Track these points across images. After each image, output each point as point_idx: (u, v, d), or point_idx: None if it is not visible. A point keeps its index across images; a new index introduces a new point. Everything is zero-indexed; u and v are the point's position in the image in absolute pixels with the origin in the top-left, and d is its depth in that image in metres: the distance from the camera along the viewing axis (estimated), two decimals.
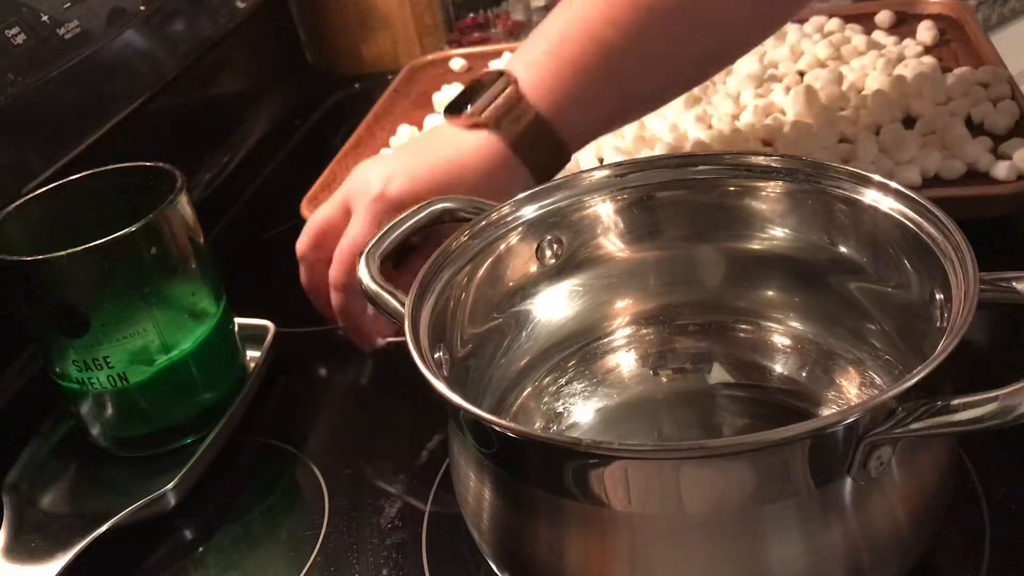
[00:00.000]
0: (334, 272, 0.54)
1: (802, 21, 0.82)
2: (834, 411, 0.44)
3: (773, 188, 0.45)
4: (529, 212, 0.46)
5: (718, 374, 0.48)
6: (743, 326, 0.48)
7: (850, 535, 0.33)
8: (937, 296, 0.38)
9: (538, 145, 0.54)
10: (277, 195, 0.83)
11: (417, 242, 0.53)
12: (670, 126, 0.69)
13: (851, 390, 0.45)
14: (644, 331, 0.49)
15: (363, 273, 0.43)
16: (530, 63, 0.55)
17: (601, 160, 0.68)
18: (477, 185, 0.53)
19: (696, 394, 0.48)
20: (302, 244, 0.57)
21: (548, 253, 0.47)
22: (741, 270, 0.48)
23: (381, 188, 0.53)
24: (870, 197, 0.42)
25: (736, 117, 0.69)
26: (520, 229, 0.46)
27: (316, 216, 0.56)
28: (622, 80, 0.54)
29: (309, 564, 0.46)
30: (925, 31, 0.77)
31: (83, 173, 0.54)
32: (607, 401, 0.48)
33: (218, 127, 0.86)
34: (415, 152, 0.56)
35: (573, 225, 0.47)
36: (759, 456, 0.32)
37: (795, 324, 0.47)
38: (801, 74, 0.74)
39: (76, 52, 0.65)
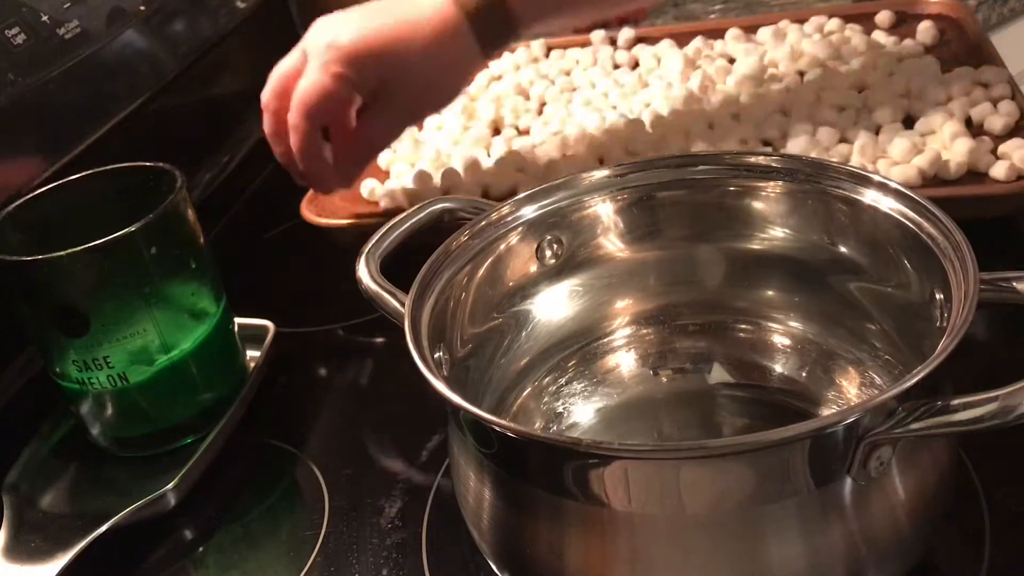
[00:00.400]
0: (292, 114, 0.57)
1: (802, 21, 0.82)
2: (834, 411, 0.44)
3: (773, 188, 0.45)
4: (529, 212, 0.46)
5: (718, 374, 0.48)
6: (743, 326, 0.48)
7: (850, 535, 0.33)
8: (937, 296, 0.38)
9: (492, 17, 0.55)
10: (277, 195, 0.82)
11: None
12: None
13: (851, 390, 0.45)
14: (644, 331, 0.49)
15: (363, 273, 0.43)
16: None
17: (601, 160, 0.68)
18: (427, 48, 0.56)
19: (696, 394, 0.48)
20: (266, 94, 0.60)
21: (548, 253, 0.47)
22: (741, 270, 0.48)
23: (333, 38, 0.55)
24: (870, 197, 0.42)
25: (736, 117, 0.69)
26: (520, 229, 0.46)
27: (278, 67, 0.59)
28: None
29: (309, 564, 0.46)
30: (925, 31, 0.77)
31: (83, 173, 0.54)
32: (607, 401, 0.48)
33: (218, 127, 0.86)
34: (372, 9, 0.58)
35: (573, 225, 0.47)
36: (759, 456, 0.32)
37: (795, 324, 0.47)
38: (801, 74, 0.74)
39: (76, 52, 0.65)
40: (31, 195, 0.53)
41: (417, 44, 0.55)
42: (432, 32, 0.56)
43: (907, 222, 0.40)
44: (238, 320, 0.57)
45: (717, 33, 0.84)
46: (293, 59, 0.59)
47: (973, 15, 0.80)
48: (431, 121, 0.78)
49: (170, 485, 0.49)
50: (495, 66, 0.87)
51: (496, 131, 0.76)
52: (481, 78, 0.85)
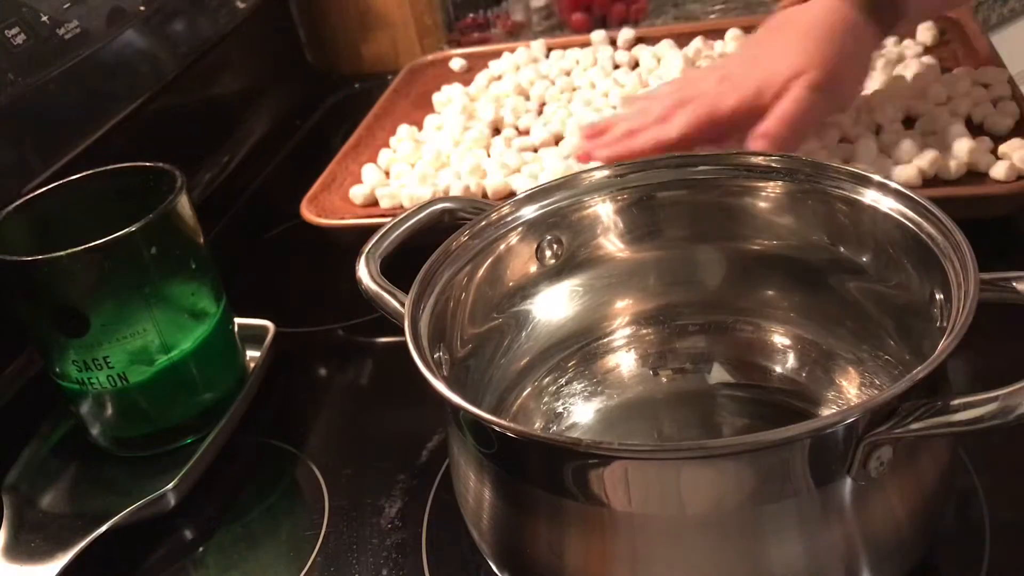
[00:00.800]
0: (781, 129, 0.56)
1: None
2: (834, 411, 0.44)
3: (773, 188, 0.45)
4: (529, 212, 0.46)
5: (718, 374, 0.48)
6: (743, 326, 0.48)
7: (850, 535, 0.33)
8: (937, 296, 0.38)
9: (884, 6, 0.59)
10: (277, 195, 0.83)
11: None
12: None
13: (851, 390, 0.45)
14: (644, 331, 0.49)
15: (363, 273, 0.43)
16: None
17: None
18: (853, 56, 0.59)
19: (696, 394, 0.48)
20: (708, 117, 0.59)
21: (548, 253, 0.47)
22: (741, 270, 0.48)
23: (799, 69, 0.57)
24: (870, 197, 0.42)
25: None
26: (520, 229, 0.46)
27: (727, 102, 0.59)
28: None
29: (309, 564, 0.46)
30: (925, 31, 0.77)
31: (83, 173, 0.54)
32: (607, 401, 0.48)
33: (218, 127, 0.86)
34: (810, 38, 0.59)
35: (573, 225, 0.47)
36: (759, 456, 0.32)
37: (795, 324, 0.47)
38: None
39: (76, 52, 0.65)
40: (31, 195, 0.53)
41: (847, 54, 0.58)
42: (852, 39, 0.58)
43: (907, 222, 0.40)
44: (238, 320, 0.57)
45: (717, 33, 0.84)
46: (746, 94, 0.58)
47: (973, 15, 0.80)
48: (431, 121, 0.79)
49: (170, 485, 0.49)
50: (495, 66, 0.87)
51: (496, 131, 0.76)
52: (481, 78, 0.85)
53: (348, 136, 0.79)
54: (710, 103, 0.59)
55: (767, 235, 0.46)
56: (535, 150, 0.72)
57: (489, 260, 0.45)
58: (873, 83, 0.70)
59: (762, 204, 0.46)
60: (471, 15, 1.06)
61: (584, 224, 0.47)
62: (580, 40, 0.89)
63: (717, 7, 1.01)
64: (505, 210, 0.45)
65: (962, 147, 0.60)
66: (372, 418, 0.56)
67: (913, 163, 0.60)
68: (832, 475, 0.32)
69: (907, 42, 0.76)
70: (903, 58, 0.73)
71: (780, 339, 0.48)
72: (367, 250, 0.44)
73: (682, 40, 0.83)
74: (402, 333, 0.38)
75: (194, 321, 0.53)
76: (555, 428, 0.47)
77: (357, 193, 0.69)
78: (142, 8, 0.72)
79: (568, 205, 0.47)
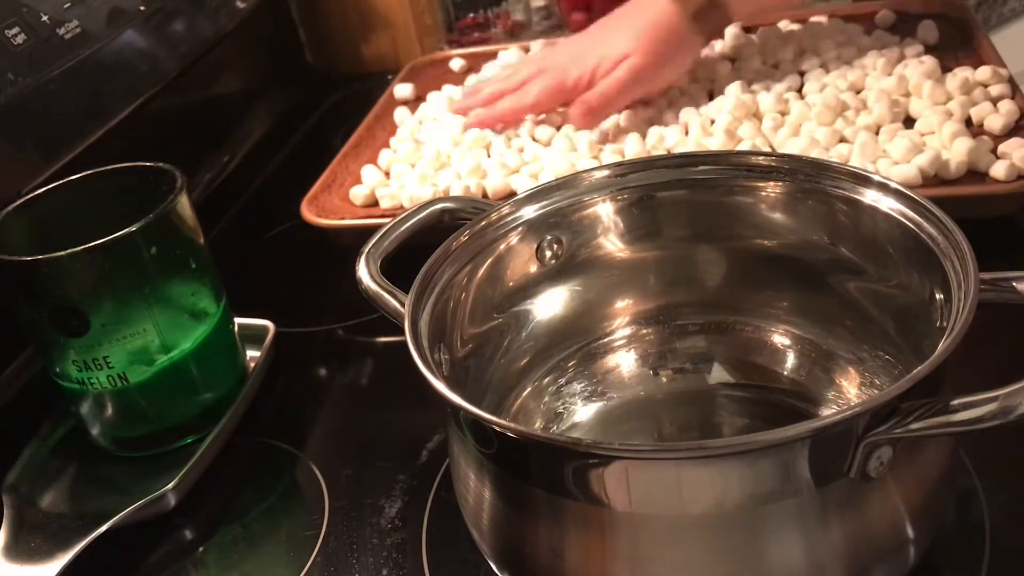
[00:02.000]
0: (601, 93, 0.70)
1: (802, 21, 0.82)
2: (834, 411, 0.44)
3: (773, 188, 0.45)
4: (529, 212, 0.46)
5: (718, 374, 0.48)
6: (743, 326, 0.48)
7: (850, 535, 0.33)
8: (937, 296, 0.38)
9: (711, 15, 0.70)
10: (277, 195, 0.83)
11: None
12: (683, 126, 0.69)
13: (851, 390, 0.45)
14: (644, 331, 0.49)
15: (363, 273, 0.43)
16: None
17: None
18: (667, 46, 0.71)
19: (696, 394, 0.48)
20: (553, 88, 0.73)
21: (548, 253, 0.47)
22: (741, 270, 0.48)
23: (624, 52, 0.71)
24: (870, 197, 0.42)
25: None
26: (520, 229, 0.46)
27: (564, 80, 0.72)
28: None
29: (309, 564, 0.46)
30: (925, 31, 0.77)
31: (83, 173, 0.54)
32: (607, 401, 0.48)
33: (218, 127, 0.86)
34: (629, 26, 0.72)
35: (573, 225, 0.47)
36: (759, 456, 0.32)
37: (795, 324, 0.47)
38: (801, 74, 0.74)
39: (76, 52, 0.65)
40: (31, 195, 0.53)
41: (668, 51, 0.71)
42: (676, 41, 0.71)
43: (907, 222, 0.40)
44: (238, 320, 0.57)
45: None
46: (583, 71, 0.72)
47: (973, 15, 0.80)
48: (432, 121, 0.78)
49: (170, 485, 0.49)
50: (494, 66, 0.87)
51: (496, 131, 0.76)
52: None
53: (348, 136, 0.79)
54: (559, 75, 0.72)
55: (767, 235, 0.46)
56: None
57: (489, 260, 0.45)
58: (873, 83, 0.70)
59: (762, 204, 0.46)
60: (471, 15, 1.06)
61: (584, 224, 0.47)
62: None
63: None
64: (505, 210, 0.45)
65: (962, 147, 0.60)
66: (372, 418, 0.56)
67: (913, 163, 0.60)
68: (832, 475, 0.32)
69: (907, 41, 0.76)
70: (903, 58, 0.73)
71: (780, 339, 0.48)
72: (367, 250, 0.44)
73: None
74: (402, 333, 0.38)
75: (194, 321, 0.53)
76: (555, 428, 0.47)
77: (357, 193, 0.69)
78: (142, 8, 0.72)
79: (568, 205, 0.47)
